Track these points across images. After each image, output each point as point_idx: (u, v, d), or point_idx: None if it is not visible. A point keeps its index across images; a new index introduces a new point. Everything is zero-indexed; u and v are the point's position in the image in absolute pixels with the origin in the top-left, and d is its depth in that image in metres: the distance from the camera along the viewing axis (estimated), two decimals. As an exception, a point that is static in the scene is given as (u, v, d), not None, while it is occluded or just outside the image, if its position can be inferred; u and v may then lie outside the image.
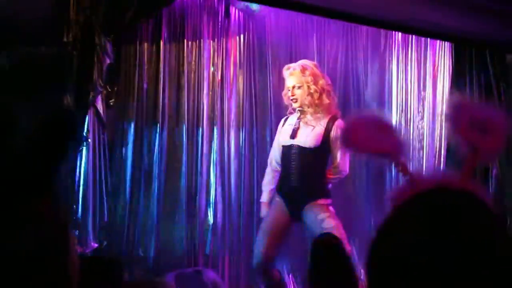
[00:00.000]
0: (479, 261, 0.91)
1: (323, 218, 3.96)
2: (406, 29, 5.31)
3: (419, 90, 5.75)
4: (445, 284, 0.91)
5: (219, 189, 4.80)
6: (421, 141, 5.71)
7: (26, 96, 3.41)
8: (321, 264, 2.88)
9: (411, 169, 1.26)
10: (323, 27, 5.39)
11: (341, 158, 4.08)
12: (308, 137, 4.06)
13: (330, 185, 4.15)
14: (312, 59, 4.84)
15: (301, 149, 4.06)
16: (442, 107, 5.64)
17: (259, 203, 4.81)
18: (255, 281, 4.88)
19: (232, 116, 4.90)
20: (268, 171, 4.33)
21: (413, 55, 5.75)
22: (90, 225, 4.11)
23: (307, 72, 4.10)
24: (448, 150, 5.54)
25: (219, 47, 4.85)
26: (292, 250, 4.82)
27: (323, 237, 3.21)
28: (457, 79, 5.58)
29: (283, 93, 4.25)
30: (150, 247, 4.49)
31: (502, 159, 5.30)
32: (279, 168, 4.24)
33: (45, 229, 1.06)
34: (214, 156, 4.81)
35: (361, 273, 4.88)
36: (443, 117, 5.49)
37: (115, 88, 4.35)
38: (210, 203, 4.79)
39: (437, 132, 5.68)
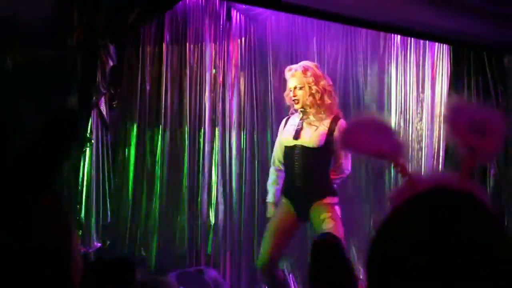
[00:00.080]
0: (478, 261, 0.91)
1: (324, 219, 3.97)
2: (405, 32, 5.28)
3: (418, 92, 5.73)
4: (445, 284, 0.91)
5: (220, 190, 4.83)
6: (419, 142, 5.70)
7: (29, 98, 3.44)
8: (321, 264, 2.88)
9: (410, 169, 1.24)
10: (323, 29, 5.42)
11: (344, 158, 4.10)
12: (311, 137, 4.06)
13: (335, 185, 4.16)
14: (312, 61, 4.88)
15: (305, 149, 4.06)
16: (440, 108, 5.60)
17: (260, 203, 4.86)
18: (256, 281, 4.92)
19: (234, 117, 4.94)
20: (272, 171, 4.33)
21: (411, 57, 5.75)
22: (94, 225, 4.12)
23: (309, 73, 4.11)
24: (446, 151, 5.51)
25: (220, 49, 4.89)
26: (293, 250, 4.84)
27: (322, 237, 3.21)
28: (456, 81, 5.55)
29: (285, 94, 4.26)
30: (152, 246, 4.52)
31: (500, 160, 5.29)
32: (282, 168, 4.25)
33: (47, 228, 1.06)
34: (215, 156, 4.85)
35: (361, 273, 4.92)
36: (442, 118, 5.46)
37: (118, 90, 4.36)
38: (211, 204, 4.81)
39: (436, 133, 5.66)
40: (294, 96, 4.12)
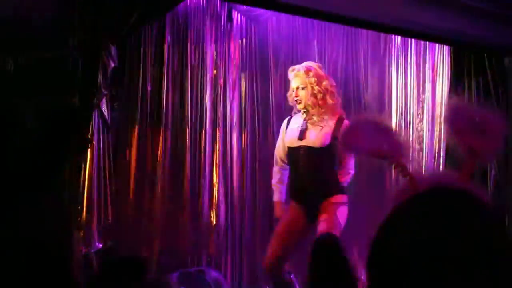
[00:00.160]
0: (478, 260, 0.92)
1: (322, 220, 3.97)
2: (406, 33, 5.29)
3: (419, 93, 5.74)
4: (445, 283, 0.91)
5: (221, 190, 4.85)
6: (420, 143, 5.70)
7: (31, 98, 3.45)
8: (320, 265, 2.87)
9: (410, 170, 1.26)
10: (323, 30, 5.43)
11: (347, 158, 4.10)
12: (317, 137, 4.06)
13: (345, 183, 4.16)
14: (314, 62, 4.89)
15: (309, 149, 4.06)
16: (441, 109, 5.60)
17: (261, 203, 4.87)
18: (257, 281, 4.93)
19: (235, 118, 4.95)
20: (276, 170, 4.32)
21: (412, 58, 5.76)
22: (95, 226, 4.13)
23: (311, 73, 4.12)
24: (447, 151, 5.53)
25: (221, 50, 4.90)
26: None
27: (321, 238, 3.23)
28: (456, 82, 5.55)
29: (288, 94, 4.26)
30: (153, 247, 4.52)
31: (500, 161, 5.30)
32: (286, 167, 4.25)
33: (47, 224, 1.09)
34: (217, 157, 4.86)
35: (362, 273, 4.92)
36: (442, 119, 5.47)
37: (120, 91, 4.38)
38: (213, 204, 4.82)
39: (436, 134, 5.66)
40: (296, 96, 4.13)
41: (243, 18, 5.04)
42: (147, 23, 4.33)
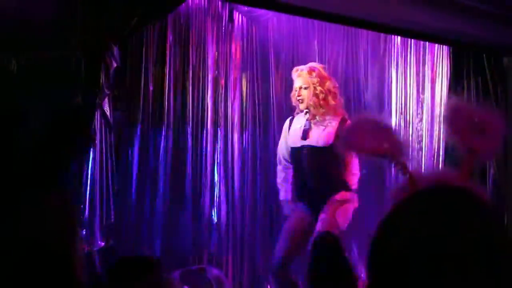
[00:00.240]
0: (478, 258, 0.92)
1: (320, 219, 3.99)
2: (405, 33, 5.30)
3: (418, 92, 5.77)
4: (445, 281, 0.92)
5: (223, 189, 4.85)
6: (420, 142, 5.73)
7: (33, 98, 3.47)
8: (319, 263, 2.90)
9: (410, 168, 1.27)
10: (324, 31, 5.45)
11: (351, 160, 4.10)
12: (320, 136, 4.07)
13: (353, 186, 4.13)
14: (314, 62, 4.91)
15: (313, 149, 4.08)
16: (440, 109, 5.63)
17: (261, 202, 4.88)
18: (258, 279, 4.95)
19: (236, 118, 4.96)
20: (280, 169, 4.35)
21: (412, 58, 5.79)
22: (97, 225, 4.15)
23: (314, 74, 4.15)
24: (446, 151, 5.56)
25: (222, 50, 4.91)
26: None
27: (321, 236, 3.23)
28: (455, 82, 5.57)
29: (291, 94, 4.28)
30: (155, 245, 4.54)
31: (499, 160, 5.32)
32: (289, 165, 4.26)
33: (54, 224, 1.09)
34: (218, 157, 4.87)
35: (362, 272, 4.94)
36: (442, 119, 5.48)
37: (122, 91, 4.38)
38: (214, 203, 4.84)
39: (436, 133, 5.70)
40: (299, 95, 4.16)
41: (244, 19, 5.05)
42: (149, 24, 4.33)
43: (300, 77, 4.19)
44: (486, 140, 1.23)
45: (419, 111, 5.79)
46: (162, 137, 4.60)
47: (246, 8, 4.98)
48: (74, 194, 3.90)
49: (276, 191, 5.11)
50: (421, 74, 5.79)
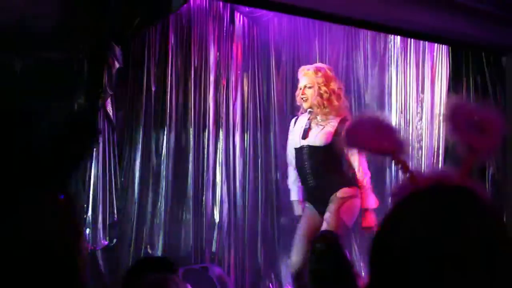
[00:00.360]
0: (478, 257, 0.93)
1: (325, 218, 4.00)
2: (405, 33, 5.31)
3: (418, 92, 5.78)
4: (445, 280, 0.92)
5: (224, 189, 4.88)
6: (420, 141, 5.74)
7: (37, 99, 3.49)
8: (319, 262, 2.91)
9: (411, 167, 1.26)
10: (324, 31, 5.49)
11: (360, 162, 4.04)
12: (317, 136, 4.07)
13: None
14: (314, 62, 4.93)
15: (312, 148, 4.08)
16: (440, 108, 5.64)
17: (263, 202, 4.90)
18: (259, 277, 4.97)
19: (237, 118, 4.99)
20: (290, 169, 4.34)
21: (411, 58, 5.80)
22: (100, 224, 4.19)
23: (320, 74, 4.14)
24: (446, 149, 5.57)
25: (224, 51, 4.93)
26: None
27: (320, 235, 3.24)
28: (455, 81, 5.58)
29: (296, 93, 4.29)
30: (158, 244, 4.56)
31: (498, 159, 5.33)
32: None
33: (60, 225, 1.10)
34: (220, 156, 4.89)
35: (362, 270, 4.98)
36: (441, 118, 5.48)
37: (124, 92, 4.41)
38: (216, 202, 4.86)
39: (435, 132, 5.71)
40: (303, 94, 4.16)
41: (245, 20, 5.08)
42: (151, 24, 4.33)
43: (306, 76, 4.18)
44: (485, 139, 1.22)
45: (419, 110, 5.80)
46: (165, 137, 4.62)
47: (247, 9, 5.01)
48: (78, 194, 3.93)
49: (276, 191, 5.15)
50: (420, 74, 5.81)
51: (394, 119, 5.71)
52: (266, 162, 5.10)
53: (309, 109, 4.18)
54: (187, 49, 4.75)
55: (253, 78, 5.10)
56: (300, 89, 4.19)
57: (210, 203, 4.82)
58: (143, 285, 2.15)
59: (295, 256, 4.06)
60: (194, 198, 4.71)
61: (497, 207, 5.06)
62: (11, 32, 3.49)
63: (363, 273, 4.90)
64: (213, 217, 4.84)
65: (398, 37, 5.76)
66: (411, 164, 1.39)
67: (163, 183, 4.60)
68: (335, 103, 4.12)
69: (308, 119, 4.19)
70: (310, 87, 4.14)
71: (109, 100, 4.12)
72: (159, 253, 4.54)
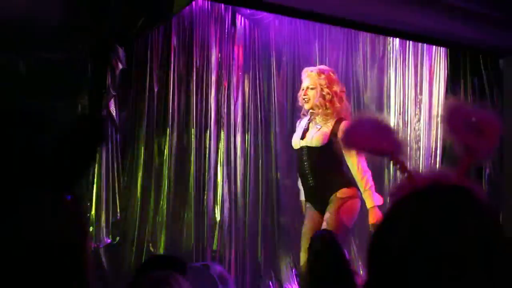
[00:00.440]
0: (476, 257, 0.93)
1: (324, 219, 4.01)
2: (404, 35, 5.34)
3: (416, 93, 5.82)
4: (442, 279, 0.92)
5: (226, 188, 4.90)
6: (418, 142, 5.78)
7: (41, 100, 3.52)
8: (317, 261, 2.93)
9: (409, 167, 1.28)
10: (324, 33, 5.52)
11: (359, 162, 4.00)
12: (314, 136, 4.08)
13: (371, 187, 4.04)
14: (314, 64, 4.98)
15: (309, 148, 4.09)
16: (438, 109, 5.69)
17: (264, 201, 4.93)
18: (260, 276, 5.01)
19: (238, 118, 5.02)
20: None
21: (410, 60, 5.85)
22: (104, 222, 4.22)
23: (323, 76, 4.15)
24: (443, 150, 5.60)
25: (225, 53, 4.96)
26: (296, 245, 4.90)
27: (319, 234, 3.25)
28: (452, 83, 5.61)
29: (298, 93, 4.30)
30: (160, 242, 4.58)
31: (495, 159, 5.37)
32: None
33: (68, 225, 1.11)
34: (221, 156, 4.92)
35: (360, 269, 5.02)
36: (439, 119, 5.51)
37: (128, 92, 4.44)
38: (217, 201, 4.88)
39: (433, 133, 5.75)
40: (305, 95, 4.17)
41: (247, 22, 5.12)
42: (154, 26, 4.33)
43: (309, 77, 4.20)
44: (483, 140, 1.22)
45: (417, 111, 5.84)
46: (167, 137, 4.64)
47: (248, 11, 5.05)
48: (81, 193, 3.96)
49: (277, 191, 5.19)
50: (419, 76, 5.84)
51: (392, 120, 5.76)
52: (266, 162, 5.13)
53: (310, 110, 4.21)
54: (189, 50, 4.77)
55: (254, 79, 5.14)
56: (303, 89, 4.20)
57: (212, 202, 4.84)
58: (145, 281, 2.18)
59: (303, 255, 4.04)
60: (195, 197, 4.73)
61: (494, 206, 5.09)
62: (14, 32, 3.51)
63: (361, 272, 4.93)
64: (214, 216, 4.86)
65: (397, 40, 5.80)
66: (409, 165, 1.44)
67: (165, 182, 4.62)
68: (337, 105, 4.13)
69: (308, 120, 4.23)
70: (312, 88, 4.15)
71: (112, 100, 4.13)
72: (161, 251, 4.57)
